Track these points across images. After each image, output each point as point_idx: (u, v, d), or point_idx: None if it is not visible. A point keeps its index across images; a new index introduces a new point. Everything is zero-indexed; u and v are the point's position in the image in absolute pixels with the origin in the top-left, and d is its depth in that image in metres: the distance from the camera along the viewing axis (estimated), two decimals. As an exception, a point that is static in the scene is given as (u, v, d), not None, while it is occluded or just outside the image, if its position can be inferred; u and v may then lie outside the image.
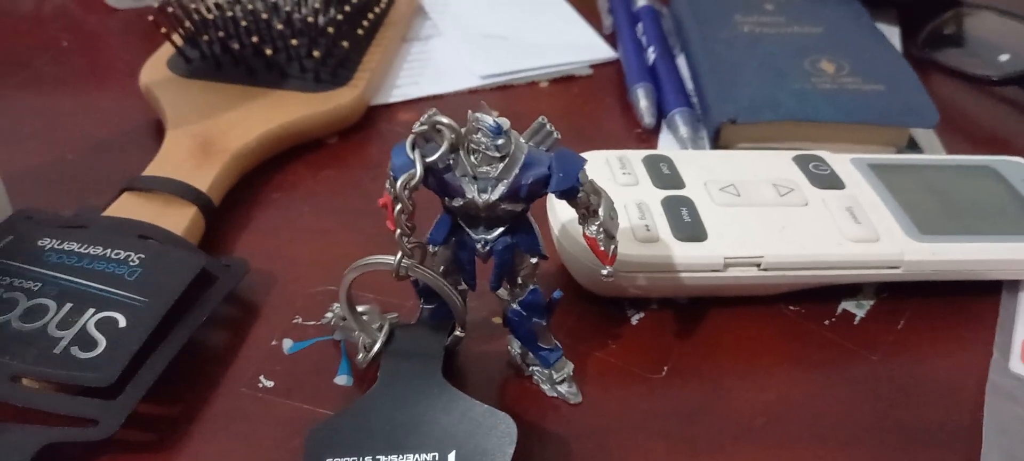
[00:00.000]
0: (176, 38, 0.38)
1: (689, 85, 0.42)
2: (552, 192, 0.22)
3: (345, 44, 0.38)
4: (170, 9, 0.37)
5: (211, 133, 0.34)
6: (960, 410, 0.26)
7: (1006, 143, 0.40)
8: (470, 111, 0.21)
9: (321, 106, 0.37)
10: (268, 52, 0.37)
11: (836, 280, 0.29)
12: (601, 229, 0.23)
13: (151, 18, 0.38)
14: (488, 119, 0.21)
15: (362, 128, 0.39)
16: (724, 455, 0.25)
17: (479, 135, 0.21)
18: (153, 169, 0.32)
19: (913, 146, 0.39)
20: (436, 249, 0.24)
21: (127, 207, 0.30)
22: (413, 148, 0.21)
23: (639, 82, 0.41)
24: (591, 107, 0.42)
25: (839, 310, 0.30)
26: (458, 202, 0.22)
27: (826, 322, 0.29)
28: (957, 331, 0.29)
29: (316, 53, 0.37)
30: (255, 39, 0.37)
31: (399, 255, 0.22)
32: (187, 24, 0.38)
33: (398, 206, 0.21)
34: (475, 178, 0.22)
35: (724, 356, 0.28)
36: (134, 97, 0.38)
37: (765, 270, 0.28)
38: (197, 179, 0.31)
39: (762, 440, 0.25)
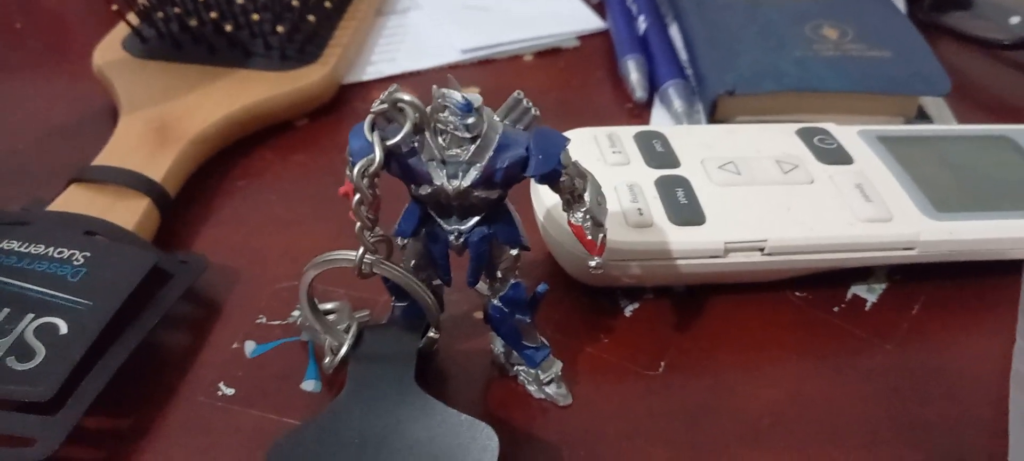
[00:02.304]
0: (131, 16, 0.35)
1: (683, 56, 0.39)
2: (531, 176, 0.19)
3: (312, 18, 0.36)
4: (124, -16, 0.35)
5: (168, 117, 0.31)
6: (983, 402, 0.24)
7: (1020, 110, 0.38)
8: (435, 87, 0.19)
9: (288, 85, 0.34)
10: (229, 28, 0.35)
11: (846, 264, 0.27)
12: (587, 216, 0.21)
13: (103, -6, 0.35)
14: (456, 95, 0.18)
15: (334, 109, 0.36)
16: (730, 460, 0.22)
17: (446, 113, 0.19)
18: (104, 158, 0.30)
19: (922, 116, 0.36)
20: (405, 242, 0.21)
21: (75, 201, 0.28)
22: (372, 129, 0.19)
23: (629, 53, 0.38)
24: (579, 81, 0.39)
25: (849, 295, 0.28)
26: (426, 190, 0.20)
27: (835, 309, 0.27)
28: (976, 316, 0.27)
29: (280, 28, 0.35)
30: (214, 15, 0.35)
31: (361, 251, 0.20)
32: (142, 1, 0.35)
33: (357, 196, 0.19)
34: (444, 163, 0.19)
35: (726, 349, 0.26)
36: (90, 80, 0.36)
37: (769, 255, 0.26)
38: (151, 168, 0.29)
39: (771, 442, 0.23)
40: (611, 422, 0.23)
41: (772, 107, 0.35)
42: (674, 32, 0.41)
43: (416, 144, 0.19)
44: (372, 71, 0.39)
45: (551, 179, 0.20)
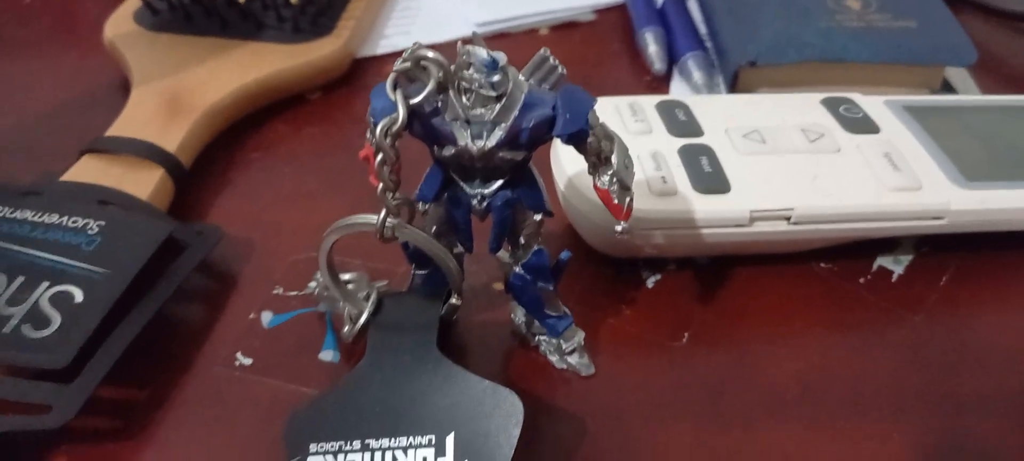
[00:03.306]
0: (142, -12, 0.35)
1: (702, 28, 0.38)
2: (557, 136, 0.19)
3: (326, -10, 0.35)
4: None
5: (180, 89, 0.31)
6: (1014, 376, 0.24)
7: (1045, 84, 0.37)
8: (460, 44, 0.18)
9: (301, 58, 0.34)
10: (241, 0, 0.34)
11: (874, 234, 0.26)
12: (614, 179, 0.20)
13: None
14: (481, 52, 0.18)
15: (348, 82, 0.36)
16: (756, 432, 0.22)
17: (471, 71, 0.18)
18: (116, 129, 0.29)
19: (946, 88, 0.36)
20: (426, 207, 0.21)
21: (87, 171, 0.27)
22: (395, 88, 0.18)
23: (647, 26, 0.38)
24: (596, 54, 0.39)
25: (875, 266, 0.27)
26: (449, 151, 0.19)
27: (861, 280, 0.27)
28: (1006, 288, 0.27)
29: (293, 0, 0.34)
30: (227, -14, 0.34)
31: (383, 213, 0.19)
32: (153, -28, 0.34)
33: (379, 156, 0.18)
34: (468, 122, 0.19)
35: (750, 320, 0.25)
36: (101, 55, 0.36)
37: (796, 224, 0.25)
38: (164, 139, 0.28)
39: (797, 414, 0.22)
40: (634, 393, 0.23)
41: (794, 79, 0.34)
42: (693, 4, 0.40)
43: (439, 103, 0.19)
44: (386, 45, 0.38)
45: (578, 140, 0.19)
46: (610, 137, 0.20)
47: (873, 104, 0.30)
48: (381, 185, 0.19)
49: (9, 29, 0.39)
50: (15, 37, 0.39)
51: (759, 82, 0.34)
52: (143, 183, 0.27)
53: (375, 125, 0.19)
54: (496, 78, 0.18)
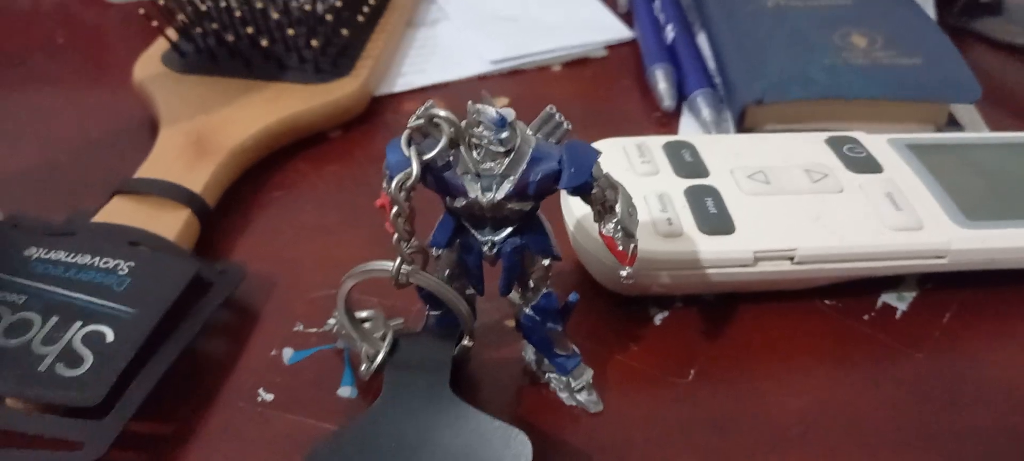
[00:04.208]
0: (170, 32, 0.36)
1: (711, 65, 0.39)
2: (563, 189, 0.20)
3: (345, 32, 0.37)
4: (163, 2, 0.36)
5: (206, 130, 0.32)
6: (1016, 412, 0.24)
7: (1053, 117, 0.38)
8: (470, 102, 0.19)
9: (322, 98, 0.35)
10: (264, 43, 0.35)
11: (876, 272, 0.27)
12: (619, 226, 0.21)
13: (142, 12, 0.36)
14: (490, 110, 0.19)
15: (366, 120, 0.37)
16: (759, 468, 0.23)
17: (481, 128, 0.19)
18: (145, 170, 0.30)
19: (952, 123, 0.36)
20: (439, 252, 0.22)
21: (118, 212, 0.29)
22: (409, 144, 0.19)
23: (657, 62, 0.38)
24: (607, 91, 0.39)
25: (879, 303, 0.28)
26: (461, 202, 0.20)
27: (865, 317, 0.27)
28: (1008, 324, 0.27)
29: (315, 42, 0.36)
30: (250, 30, 0.35)
31: (397, 261, 0.20)
32: (181, 17, 0.36)
33: (394, 209, 0.19)
34: (478, 176, 0.20)
35: (756, 357, 0.26)
36: (130, 94, 0.37)
37: (799, 263, 0.26)
38: (190, 180, 0.30)
39: (800, 450, 0.23)
40: (641, 429, 0.24)
41: (801, 115, 0.35)
42: (702, 41, 0.41)
43: (451, 158, 0.20)
44: (403, 83, 0.39)
45: (583, 191, 0.20)
46: (614, 186, 0.21)
47: (877, 143, 0.30)
48: (396, 235, 0.20)
49: (42, 67, 0.41)
50: (48, 74, 0.40)
51: (766, 119, 0.35)
52: (170, 223, 0.28)
53: (391, 178, 0.20)
54: (504, 134, 0.19)
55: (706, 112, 0.36)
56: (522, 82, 0.40)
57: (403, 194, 0.19)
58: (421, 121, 0.19)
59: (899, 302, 0.28)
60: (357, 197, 0.32)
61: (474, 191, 0.20)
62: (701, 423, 0.24)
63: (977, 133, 0.35)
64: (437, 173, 0.20)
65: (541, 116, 0.21)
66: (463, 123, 0.19)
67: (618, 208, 0.21)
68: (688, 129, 0.36)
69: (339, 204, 0.32)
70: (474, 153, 0.20)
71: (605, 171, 0.21)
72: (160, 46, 0.37)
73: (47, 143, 0.35)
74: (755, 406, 0.24)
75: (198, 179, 0.30)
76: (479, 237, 0.21)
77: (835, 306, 0.28)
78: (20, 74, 0.40)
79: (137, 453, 0.23)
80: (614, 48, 0.43)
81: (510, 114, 0.19)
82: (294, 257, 0.30)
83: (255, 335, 0.27)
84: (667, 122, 0.37)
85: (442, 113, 0.19)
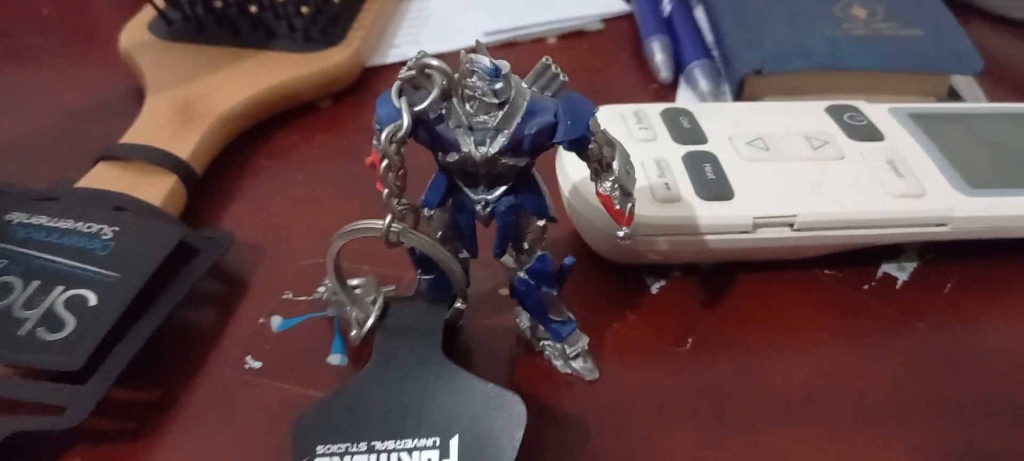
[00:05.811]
0: (157, -1, 0.35)
1: (708, 37, 0.39)
2: (559, 142, 0.19)
3: (335, 0, 0.36)
4: (150, -33, 0.35)
5: (193, 97, 0.32)
6: (1019, 381, 0.24)
7: (1054, 91, 0.37)
8: (463, 52, 0.19)
9: (312, 67, 0.34)
10: (253, 10, 0.35)
11: (878, 240, 0.26)
12: (616, 185, 0.20)
13: (128, -23, 0.35)
14: (484, 60, 0.18)
15: (357, 90, 0.36)
16: (759, 437, 0.22)
17: (474, 79, 0.18)
18: (131, 136, 0.30)
19: (953, 96, 0.36)
20: (431, 213, 0.21)
21: (102, 177, 0.28)
22: (400, 96, 0.19)
23: (654, 34, 0.38)
24: (603, 63, 0.39)
25: (879, 273, 0.27)
26: (453, 157, 0.20)
27: (866, 287, 0.27)
28: (1011, 294, 0.27)
29: (305, 10, 0.35)
30: (239, -4, 0.35)
31: (388, 218, 0.20)
32: (168, -17, 0.35)
33: (385, 162, 0.19)
34: (471, 129, 0.19)
35: (755, 327, 0.25)
36: (116, 64, 0.36)
37: (799, 230, 0.25)
38: (177, 146, 0.29)
39: (801, 420, 0.23)
40: (638, 398, 0.23)
41: (799, 87, 0.34)
42: (699, 14, 0.41)
43: (444, 111, 0.19)
44: (395, 54, 0.39)
45: (579, 146, 0.19)
46: (611, 143, 0.20)
47: (877, 112, 0.30)
48: (387, 190, 0.19)
49: (27, 37, 0.40)
50: (33, 45, 0.40)
51: (765, 90, 0.34)
52: (156, 189, 0.27)
53: (380, 132, 0.19)
54: (499, 85, 0.19)
55: (703, 84, 0.35)
56: (517, 54, 0.39)
57: (393, 146, 0.19)
58: (413, 72, 0.19)
59: (900, 272, 0.27)
60: (348, 167, 0.32)
61: (467, 145, 0.19)
62: (700, 392, 0.23)
63: (979, 104, 0.35)
64: (429, 126, 0.19)
65: (536, 68, 0.20)
66: (456, 74, 0.19)
67: (615, 165, 0.20)
68: (685, 101, 0.36)
69: (329, 174, 0.31)
70: (467, 105, 0.19)
71: (602, 127, 0.20)
72: (147, 14, 0.37)
73: (33, 114, 0.34)
74: (755, 376, 0.24)
75: (185, 146, 0.29)
76: (472, 195, 0.20)
77: (835, 276, 0.27)
78: (5, 46, 0.39)
79: (122, 420, 0.23)
80: (610, 21, 0.42)
81: (504, 65, 0.19)
82: (283, 226, 0.29)
83: (243, 303, 0.26)
84: (664, 94, 0.37)
85: (434, 62, 0.18)
